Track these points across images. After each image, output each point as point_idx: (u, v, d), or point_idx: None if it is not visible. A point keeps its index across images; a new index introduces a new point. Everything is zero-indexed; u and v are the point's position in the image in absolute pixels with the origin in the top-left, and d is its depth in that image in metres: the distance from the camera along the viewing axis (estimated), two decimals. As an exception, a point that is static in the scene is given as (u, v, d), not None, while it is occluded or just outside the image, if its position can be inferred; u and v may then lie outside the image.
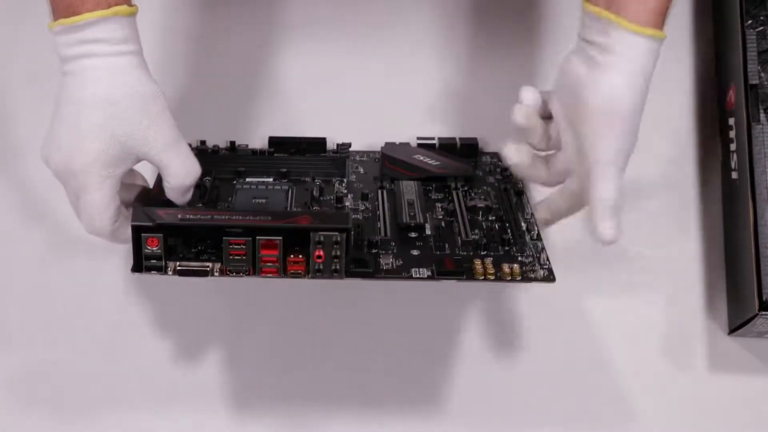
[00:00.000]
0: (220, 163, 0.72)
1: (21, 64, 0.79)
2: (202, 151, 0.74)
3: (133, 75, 0.59)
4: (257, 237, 0.56)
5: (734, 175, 0.74)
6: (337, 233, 0.57)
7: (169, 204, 0.62)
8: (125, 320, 0.71)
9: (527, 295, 0.73)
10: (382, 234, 0.64)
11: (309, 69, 0.79)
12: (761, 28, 0.74)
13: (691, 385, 0.71)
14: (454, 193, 0.70)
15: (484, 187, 0.71)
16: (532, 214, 0.67)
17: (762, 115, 0.72)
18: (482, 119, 0.78)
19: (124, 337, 0.71)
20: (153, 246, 0.57)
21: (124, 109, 0.58)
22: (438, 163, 0.72)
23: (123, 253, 0.73)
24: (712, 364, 0.72)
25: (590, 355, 0.72)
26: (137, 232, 0.56)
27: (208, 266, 0.58)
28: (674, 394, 0.71)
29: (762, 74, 0.73)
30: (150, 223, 0.56)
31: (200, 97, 0.78)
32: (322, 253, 0.57)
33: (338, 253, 0.58)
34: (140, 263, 0.57)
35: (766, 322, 0.68)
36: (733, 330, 0.72)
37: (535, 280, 0.61)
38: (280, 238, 0.57)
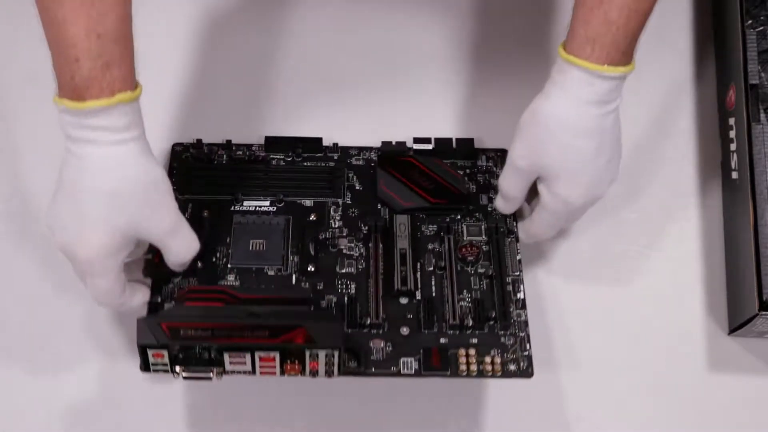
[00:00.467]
0: (217, 177, 0.73)
1: (21, 64, 0.79)
2: (197, 158, 0.74)
3: (135, 163, 0.60)
4: (255, 352, 0.61)
5: (734, 175, 0.74)
6: (330, 349, 0.61)
7: (171, 271, 0.66)
8: (118, 334, 0.71)
9: (527, 294, 0.73)
10: (374, 301, 0.67)
11: (308, 68, 0.80)
12: (761, 28, 0.74)
13: (691, 385, 0.71)
14: (446, 239, 0.71)
15: (477, 215, 0.72)
16: (520, 261, 0.70)
17: (762, 115, 0.72)
18: (480, 118, 0.78)
19: (122, 342, 0.71)
20: (159, 357, 0.61)
21: (127, 201, 0.60)
22: (433, 186, 0.72)
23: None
24: (712, 364, 0.72)
25: (590, 354, 0.72)
26: (143, 349, 0.60)
27: (211, 371, 0.62)
28: (674, 394, 0.71)
29: (762, 74, 0.73)
30: (155, 342, 0.60)
31: (198, 94, 0.78)
32: (316, 364, 0.62)
33: (332, 362, 0.62)
34: (148, 367, 0.62)
35: (766, 322, 0.68)
36: (733, 330, 0.72)
37: (515, 375, 0.65)
38: (277, 353, 0.61)
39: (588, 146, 0.64)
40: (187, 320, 0.60)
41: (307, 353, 0.61)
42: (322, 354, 0.61)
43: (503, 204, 0.70)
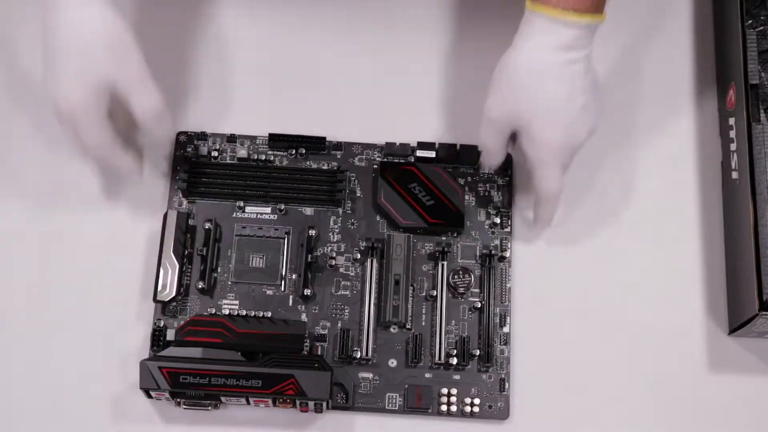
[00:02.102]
0: (220, 180, 0.74)
1: (21, 64, 0.79)
2: (201, 155, 0.75)
3: (102, 20, 0.65)
4: (249, 398, 0.66)
5: (734, 175, 0.74)
6: (318, 400, 0.66)
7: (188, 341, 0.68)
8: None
9: (526, 295, 0.73)
10: (365, 333, 0.70)
11: (314, 66, 0.79)
12: (761, 28, 0.74)
13: (691, 385, 0.71)
14: (440, 265, 0.72)
15: (473, 233, 0.73)
16: (510, 289, 0.72)
17: (762, 115, 0.72)
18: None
19: (121, 336, 0.71)
20: (161, 395, 0.67)
21: (95, 56, 0.65)
22: (432, 203, 0.73)
23: (124, 247, 0.73)
24: (712, 364, 0.72)
25: (590, 354, 0.72)
26: (146, 391, 0.66)
27: (209, 404, 0.68)
28: (674, 394, 0.71)
29: (762, 74, 0.73)
30: (156, 387, 0.65)
31: (206, 86, 0.78)
32: (306, 407, 0.68)
33: (320, 406, 0.67)
34: (150, 395, 0.67)
35: (766, 322, 0.68)
36: (733, 330, 0.72)
37: (491, 417, 0.69)
38: (270, 399, 0.66)
39: (557, 91, 0.65)
40: (186, 365, 0.65)
41: (298, 402, 0.67)
42: (311, 403, 0.67)
43: (485, 157, 0.71)
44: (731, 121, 0.75)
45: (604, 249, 0.75)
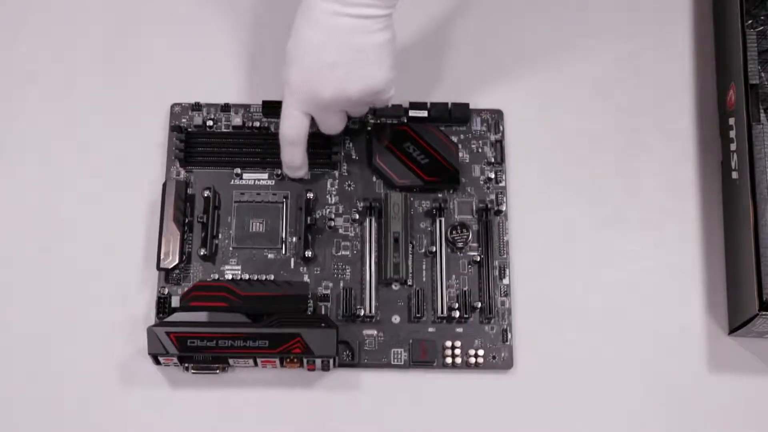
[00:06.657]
0: (216, 149, 0.74)
1: (21, 64, 0.79)
2: (197, 125, 0.75)
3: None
4: (257, 358, 0.67)
5: (734, 175, 0.74)
6: (325, 357, 0.67)
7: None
8: (124, 316, 0.72)
9: (526, 293, 0.73)
10: (367, 291, 0.71)
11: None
12: (761, 28, 0.74)
13: (691, 385, 0.71)
14: (437, 221, 0.73)
15: (468, 189, 0.74)
16: (508, 242, 0.73)
17: (762, 115, 0.72)
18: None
19: (121, 333, 0.71)
20: (169, 361, 0.67)
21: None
22: (427, 162, 0.73)
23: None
24: (712, 364, 0.72)
25: (590, 354, 0.72)
26: (155, 357, 0.67)
27: (216, 368, 0.69)
28: (674, 394, 0.71)
29: (762, 74, 0.73)
30: (164, 352, 0.66)
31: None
32: (313, 366, 0.69)
33: (327, 363, 0.68)
34: (158, 362, 0.68)
35: (766, 322, 0.68)
36: (733, 330, 0.72)
37: (495, 367, 0.70)
38: (277, 358, 0.67)
39: (310, 37, 0.65)
40: (193, 329, 0.66)
41: (305, 361, 0.67)
42: (318, 361, 0.67)
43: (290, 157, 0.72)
44: (731, 121, 0.75)
45: (604, 249, 0.75)
